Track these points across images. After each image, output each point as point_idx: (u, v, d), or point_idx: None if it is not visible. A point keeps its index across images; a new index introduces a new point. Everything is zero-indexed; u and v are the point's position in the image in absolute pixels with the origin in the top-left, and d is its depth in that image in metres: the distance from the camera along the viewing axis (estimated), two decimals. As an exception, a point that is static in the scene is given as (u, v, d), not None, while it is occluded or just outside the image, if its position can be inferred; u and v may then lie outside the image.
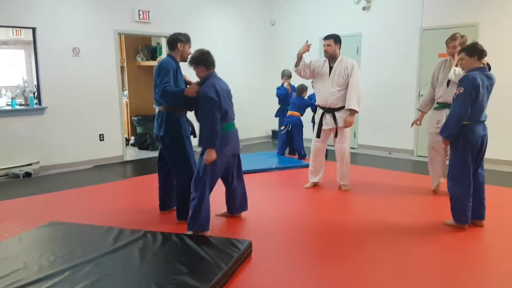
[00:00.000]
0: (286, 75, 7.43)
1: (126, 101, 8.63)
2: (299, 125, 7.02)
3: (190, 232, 3.48)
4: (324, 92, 4.90)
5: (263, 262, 3.12)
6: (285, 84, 7.33)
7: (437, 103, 4.73)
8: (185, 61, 3.80)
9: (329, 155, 6.30)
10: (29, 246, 3.21)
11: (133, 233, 3.39)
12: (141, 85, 8.84)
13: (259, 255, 3.21)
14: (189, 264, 2.82)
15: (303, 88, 7.02)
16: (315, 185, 5.26)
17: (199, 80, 3.63)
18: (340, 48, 4.91)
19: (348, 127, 4.89)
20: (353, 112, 4.80)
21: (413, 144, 7.17)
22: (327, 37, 4.90)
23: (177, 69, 3.79)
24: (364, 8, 7.72)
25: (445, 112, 4.55)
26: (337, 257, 3.19)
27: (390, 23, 7.39)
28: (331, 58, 4.87)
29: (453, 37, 4.50)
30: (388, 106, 7.52)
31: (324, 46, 4.91)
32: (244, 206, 4.06)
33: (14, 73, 9.41)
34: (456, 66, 4.45)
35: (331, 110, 4.90)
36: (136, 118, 8.53)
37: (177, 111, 3.78)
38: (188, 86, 3.83)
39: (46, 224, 3.69)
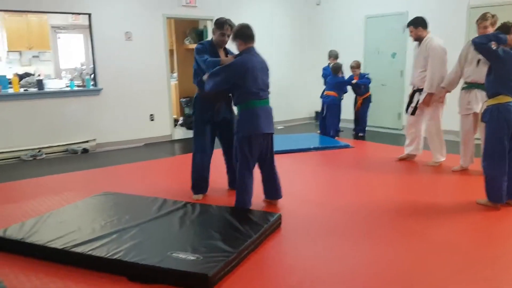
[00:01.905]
0: (333, 56, 7.45)
1: (175, 83, 9.02)
2: (333, 105, 7.06)
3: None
4: (412, 72, 5.33)
5: (291, 234, 3.32)
6: (331, 65, 7.38)
7: (466, 83, 4.68)
8: (220, 47, 3.98)
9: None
10: (83, 212, 3.60)
11: (175, 203, 3.70)
12: (189, 67, 9.08)
13: (288, 227, 3.42)
14: (222, 232, 3.08)
15: (337, 67, 7.04)
16: (408, 157, 5.55)
17: (237, 53, 3.72)
18: (424, 28, 5.10)
19: (426, 106, 5.12)
20: (427, 93, 5.01)
21: (459, 126, 7.01)
22: (407, 25, 5.22)
23: (213, 51, 3.91)
24: (410, -14, 7.56)
25: (475, 93, 4.52)
26: (364, 236, 3.29)
27: (437, 1, 7.18)
28: (419, 41, 5.15)
29: (483, 17, 4.41)
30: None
31: (409, 32, 5.23)
32: (277, 193, 3.90)
33: (73, 57, 10.08)
34: None
35: (417, 90, 5.24)
36: (184, 100, 8.91)
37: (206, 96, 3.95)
38: None
39: (100, 193, 4.09)
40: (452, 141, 5.81)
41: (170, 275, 2.55)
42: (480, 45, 3.60)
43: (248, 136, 3.56)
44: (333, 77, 7.11)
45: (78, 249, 2.83)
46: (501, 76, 3.53)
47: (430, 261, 2.84)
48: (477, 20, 4.50)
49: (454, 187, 4.53)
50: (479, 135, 4.69)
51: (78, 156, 6.27)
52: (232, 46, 3.89)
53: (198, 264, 2.58)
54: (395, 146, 6.50)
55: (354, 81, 7.17)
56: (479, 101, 4.53)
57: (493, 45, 3.56)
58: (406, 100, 7.62)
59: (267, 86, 3.69)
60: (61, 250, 2.84)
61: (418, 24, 5.10)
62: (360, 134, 7.41)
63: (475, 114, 4.63)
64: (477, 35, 4.54)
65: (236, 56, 3.70)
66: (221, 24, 3.86)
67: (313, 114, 9.40)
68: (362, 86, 7.27)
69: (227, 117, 4.09)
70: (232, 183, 4.35)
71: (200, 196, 4.15)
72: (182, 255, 2.70)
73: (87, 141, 6.56)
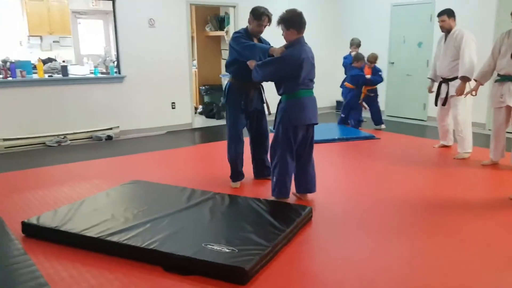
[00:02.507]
0: (355, 44, 7.32)
1: (195, 71, 8.98)
2: (352, 97, 6.93)
3: (273, 198, 3.64)
4: (440, 63, 5.29)
5: (322, 228, 3.30)
6: (353, 54, 7.26)
7: (499, 75, 4.57)
8: (255, 36, 3.91)
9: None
10: (115, 201, 3.62)
11: (204, 193, 3.70)
12: (209, 55, 9.13)
13: (319, 221, 3.39)
14: (254, 224, 3.07)
15: (359, 57, 6.83)
16: (443, 147, 5.68)
17: (286, 43, 3.56)
18: (455, 20, 5.14)
19: (460, 95, 5.04)
20: (463, 80, 4.93)
21: (485, 118, 6.88)
22: (440, 14, 5.18)
23: (248, 39, 3.85)
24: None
25: (509, 85, 4.41)
26: (394, 230, 3.26)
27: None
28: (447, 31, 5.16)
29: None
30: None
31: (439, 22, 5.20)
32: (310, 187, 3.80)
33: (93, 42, 10.09)
34: None
35: (445, 80, 5.22)
36: (204, 88, 8.87)
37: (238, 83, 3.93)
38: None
39: (129, 182, 4.11)
40: (476, 133, 5.70)
41: (206, 267, 2.55)
42: None
43: (294, 126, 3.51)
44: (350, 67, 6.98)
45: (114, 238, 2.85)
46: None
47: (466, 259, 2.80)
48: None
49: (484, 182, 4.45)
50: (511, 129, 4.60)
51: (103, 143, 6.31)
52: (265, 35, 3.84)
53: (234, 257, 2.57)
54: (420, 138, 6.41)
55: (368, 76, 6.93)
56: (512, 94, 4.43)
57: None
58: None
59: (314, 76, 3.62)
60: (97, 239, 2.86)
61: (451, 15, 5.07)
62: (383, 126, 7.22)
63: (507, 107, 4.52)
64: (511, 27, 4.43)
65: (286, 46, 3.54)
66: (260, 15, 3.78)
67: (334, 103, 9.30)
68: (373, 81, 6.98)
69: (258, 107, 4.07)
70: (258, 173, 4.34)
71: (238, 184, 4.18)
72: (216, 247, 2.69)
73: (110, 128, 6.59)
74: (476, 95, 4.90)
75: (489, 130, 6.64)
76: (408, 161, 5.14)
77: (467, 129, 5.14)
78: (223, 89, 4.16)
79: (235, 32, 3.93)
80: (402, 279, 2.57)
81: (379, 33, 8.28)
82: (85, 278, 2.55)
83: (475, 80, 4.84)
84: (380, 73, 7.04)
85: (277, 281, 2.53)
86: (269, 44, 3.95)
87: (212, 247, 2.70)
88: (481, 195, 3.98)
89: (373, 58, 6.94)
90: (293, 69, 3.42)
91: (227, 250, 2.65)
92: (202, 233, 2.96)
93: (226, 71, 4.03)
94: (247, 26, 3.94)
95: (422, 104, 7.78)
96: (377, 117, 7.11)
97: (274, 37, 4.13)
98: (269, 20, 3.81)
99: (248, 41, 3.75)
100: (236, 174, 4.19)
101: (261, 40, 4.03)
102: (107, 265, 2.71)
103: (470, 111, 5.19)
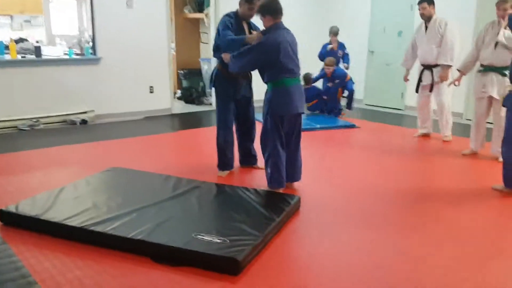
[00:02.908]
0: (333, 32, 7.26)
1: (173, 54, 8.77)
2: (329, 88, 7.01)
3: (266, 188, 3.57)
4: (422, 50, 5.40)
5: (310, 216, 3.27)
6: (329, 47, 7.23)
7: (482, 65, 4.64)
8: (245, 20, 3.83)
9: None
10: (96, 189, 3.48)
11: (190, 182, 3.60)
12: (188, 38, 8.92)
13: (306, 210, 3.36)
14: (243, 214, 3.01)
15: (307, 78, 6.93)
16: (423, 135, 5.73)
17: (263, 29, 3.53)
18: (434, 7, 5.27)
19: (443, 81, 5.22)
20: (445, 67, 5.13)
21: (463, 107, 7.01)
22: (420, 1, 5.27)
23: (237, 24, 3.76)
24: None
25: (491, 76, 4.48)
26: (379, 218, 3.26)
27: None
28: (428, 19, 5.29)
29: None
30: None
31: (419, 10, 5.31)
32: (296, 175, 3.76)
33: (66, 22, 9.67)
34: (505, 28, 4.32)
35: (429, 67, 5.32)
36: (182, 72, 8.67)
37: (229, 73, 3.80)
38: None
39: (109, 169, 3.96)
40: (454, 123, 5.80)
41: (197, 258, 2.48)
42: None
43: (281, 116, 3.44)
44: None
45: (98, 228, 2.73)
46: None
47: (454, 249, 2.83)
48: (497, 2, 4.42)
49: (466, 171, 4.53)
50: (492, 119, 4.68)
51: (77, 127, 6.08)
52: (255, 19, 3.73)
53: (225, 247, 2.51)
54: (399, 127, 6.48)
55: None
56: (495, 85, 4.50)
57: None
58: (411, 79, 7.61)
59: (299, 61, 3.54)
60: (80, 229, 2.74)
61: (431, 2, 5.19)
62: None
63: (489, 97, 4.59)
64: (494, 18, 4.48)
65: (263, 32, 3.49)
66: None
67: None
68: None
69: (246, 95, 3.99)
70: (244, 161, 4.28)
71: (225, 173, 4.08)
72: (207, 238, 2.62)
73: (85, 112, 6.36)
74: (459, 85, 4.97)
75: (467, 120, 6.81)
76: (389, 150, 5.17)
77: (450, 114, 5.43)
78: (211, 75, 4.02)
79: (225, 15, 3.81)
80: (390, 266, 2.58)
81: (360, 22, 8.27)
82: (70, 269, 2.44)
83: (458, 71, 4.90)
84: (337, 80, 6.93)
85: (269, 271, 2.49)
86: (259, 29, 3.85)
87: (203, 237, 2.62)
88: (464, 185, 4.03)
89: (330, 62, 6.87)
90: (270, 54, 3.35)
91: (218, 241, 2.58)
92: (191, 223, 2.88)
93: (214, 55, 3.90)
94: (237, 9, 3.83)
95: (400, 93, 7.85)
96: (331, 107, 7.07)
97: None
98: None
99: (228, 32, 3.64)
100: (225, 163, 4.09)
101: (250, 25, 3.92)
102: (92, 256, 2.60)
103: (451, 98, 5.41)
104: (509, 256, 2.76)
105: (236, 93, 3.92)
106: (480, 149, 4.87)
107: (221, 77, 3.88)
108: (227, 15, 3.81)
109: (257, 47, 3.39)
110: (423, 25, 5.39)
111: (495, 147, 4.61)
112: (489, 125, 4.82)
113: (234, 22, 3.72)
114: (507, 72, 4.22)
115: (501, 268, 2.61)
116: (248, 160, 4.26)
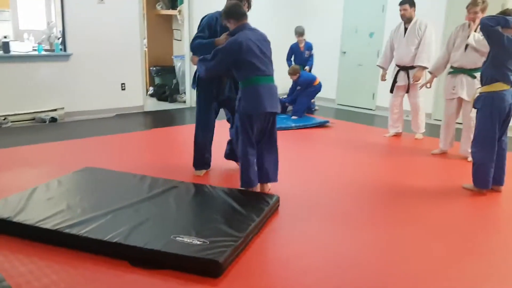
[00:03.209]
0: (298, 33, 7.27)
1: (145, 51, 8.61)
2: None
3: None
4: (399, 52, 5.50)
5: (290, 215, 3.29)
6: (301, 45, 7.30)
7: (452, 67, 4.77)
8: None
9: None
10: (69, 189, 3.38)
11: (167, 182, 3.55)
12: (160, 34, 8.79)
13: (286, 209, 3.38)
14: (223, 214, 2.99)
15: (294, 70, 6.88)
16: (394, 135, 5.86)
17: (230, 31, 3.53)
18: (415, 10, 5.40)
19: (416, 81, 5.37)
20: (421, 68, 5.27)
21: (431, 108, 7.19)
22: (402, 2, 5.39)
23: (221, 25, 3.68)
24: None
25: (461, 78, 4.61)
26: (355, 217, 3.32)
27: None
28: (408, 20, 5.41)
29: (474, 2, 4.44)
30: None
31: (400, 11, 5.41)
32: (271, 176, 3.67)
33: (34, 17, 9.35)
34: (475, 31, 4.46)
35: (405, 68, 5.45)
36: (154, 69, 8.54)
37: None
38: None
39: (82, 169, 3.86)
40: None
41: (177, 260, 2.44)
42: (488, 26, 3.51)
43: (249, 115, 3.42)
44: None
45: (73, 231, 2.65)
46: (499, 64, 3.55)
47: (429, 246, 2.90)
48: (468, 6, 4.53)
49: (436, 170, 4.65)
50: (461, 119, 4.82)
51: (47, 125, 5.90)
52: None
53: (206, 249, 2.48)
54: (370, 127, 6.60)
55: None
56: (465, 86, 4.63)
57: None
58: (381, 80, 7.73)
59: (270, 60, 3.53)
60: (55, 231, 2.65)
61: (413, 4, 5.34)
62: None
63: (459, 99, 4.73)
64: (464, 21, 4.61)
65: (231, 33, 3.50)
66: None
67: (287, 91, 9.30)
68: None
69: (231, 96, 3.91)
70: (229, 155, 4.21)
71: (202, 172, 4.05)
72: (187, 239, 2.59)
73: (55, 110, 6.17)
74: (430, 87, 5.09)
75: (435, 120, 7.00)
76: (362, 149, 5.26)
77: (424, 114, 5.67)
78: (194, 75, 3.95)
79: (207, 16, 3.76)
80: (368, 263, 2.63)
81: (333, 22, 8.35)
82: (45, 273, 2.36)
83: (430, 73, 5.02)
84: (299, 88, 6.96)
85: (250, 272, 2.49)
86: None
87: (182, 239, 2.59)
88: (435, 183, 4.14)
89: (292, 71, 6.90)
90: (233, 55, 3.36)
91: (198, 242, 2.56)
92: (169, 225, 2.83)
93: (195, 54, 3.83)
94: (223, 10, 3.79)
95: (371, 93, 7.99)
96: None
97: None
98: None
99: (200, 35, 3.65)
100: (201, 162, 4.05)
101: None
102: (68, 260, 2.53)
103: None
104: (481, 253, 2.86)
105: (220, 94, 3.88)
106: (449, 148, 5.02)
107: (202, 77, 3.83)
108: (210, 16, 3.75)
109: (220, 50, 3.40)
110: (402, 26, 5.49)
111: (464, 147, 4.77)
112: (458, 125, 4.96)
113: (219, 23, 3.67)
114: (477, 74, 4.36)
115: (472, 264, 2.69)
116: (234, 156, 4.17)
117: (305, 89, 6.89)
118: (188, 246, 2.52)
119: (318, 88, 7.04)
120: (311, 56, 7.40)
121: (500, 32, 3.49)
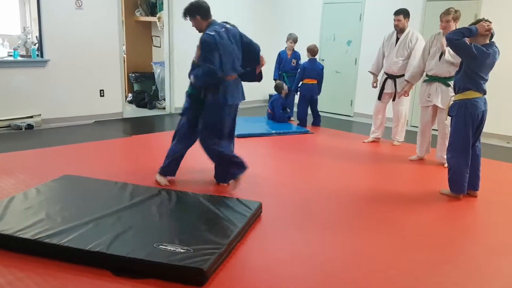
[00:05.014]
0: (292, 39, 7.28)
1: (124, 57, 8.55)
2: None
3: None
4: (388, 60, 5.61)
5: (272, 222, 3.31)
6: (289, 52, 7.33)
7: (427, 75, 4.89)
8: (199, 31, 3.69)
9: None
10: (48, 198, 3.32)
11: (148, 190, 3.53)
12: (139, 41, 8.74)
13: (268, 216, 3.40)
14: (206, 222, 2.99)
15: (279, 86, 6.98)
16: (374, 140, 5.98)
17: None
18: (408, 21, 5.52)
19: (404, 95, 5.43)
20: (410, 83, 5.22)
21: (408, 115, 7.32)
22: (397, 13, 5.51)
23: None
24: (369, -25, 7.70)
25: (436, 86, 4.74)
26: (336, 223, 3.37)
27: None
28: (401, 31, 5.52)
29: (446, 12, 4.57)
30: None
31: (394, 21, 5.52)
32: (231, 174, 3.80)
33: (8, 22, 9.15)
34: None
35: (393, 77, 5.57)
36: (133, 75, 8.48)
37: None
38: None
39: (60, 177, 3.79)
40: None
41: (160, 269, 2.43)
42: (454, 40, 3.64)
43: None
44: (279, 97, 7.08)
45: (53, 240, 2.61)
46: (471, 72, 3.67)
47: (408, 251, 2.97)
48: (441, 15, 4.65)
49: (414, 176, 4.76)
50: (437, 126, 4.94)
51: (23, 133, 5.78)
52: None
53: (190, 257, 2.48)
54: (349, 133, 6.70)
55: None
56: (439, 94, 4.76)
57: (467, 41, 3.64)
58: (359, 87, 7.88)
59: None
60: (34, 241, 2.61)
61: (407, 15, 5.46)
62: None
63: (434, 106, 4.85)
64: (439, 30, 4.74)
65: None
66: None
67: (267, 97, 9.37)
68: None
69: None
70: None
71: (164, 180, 3.94)
72: (170, 247, 2.58)
73: (31, 116, 6.05)
74: (408, 95, 5.21)
75: (412, 126, 7.15)
76: (342, 155, 5.34)
77: (406, 122, 5.82)
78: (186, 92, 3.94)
79: (213, 34, 3.45)
80: (349, 269, 2.67)
81: (311, 30, 8.47)
82: (26, 284, 2.32)
83: (407, 81, 5.13)
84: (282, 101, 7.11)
85: (235, 280, 2.50)
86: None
87: (165, 247, 2.58)
88: (414, 189, 4.23)
89: (277, 88, 7.02)
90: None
91: (182, 250, 2.55)
92: (152, 233, 2.81)
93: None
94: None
95: (349, 100, 8.11)
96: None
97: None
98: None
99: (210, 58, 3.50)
100: (172, 169, 3.96)
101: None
102: (48, 270, 2.48)
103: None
104: (458, 260, 2.93)
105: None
106: (426, 154, 5.14)
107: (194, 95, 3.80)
108: (217, 32, 3.49)
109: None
110: (394, 35, 5.60)
111: (440, 153, 4.90)
112: (434, 132, 5.09)
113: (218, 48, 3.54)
114: (451, 82, 4.49)
115: (451, 270, 2.76)
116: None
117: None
118: (172, 255, 2.51)
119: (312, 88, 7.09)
120: (298, 65, 7.35)
121: (466, 44, 3.60)
